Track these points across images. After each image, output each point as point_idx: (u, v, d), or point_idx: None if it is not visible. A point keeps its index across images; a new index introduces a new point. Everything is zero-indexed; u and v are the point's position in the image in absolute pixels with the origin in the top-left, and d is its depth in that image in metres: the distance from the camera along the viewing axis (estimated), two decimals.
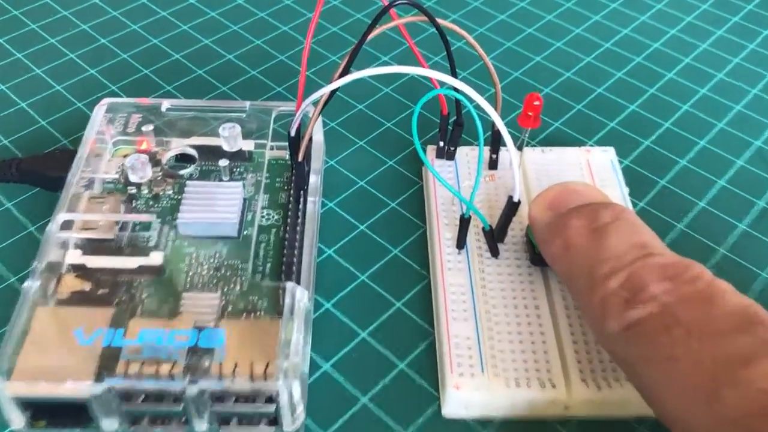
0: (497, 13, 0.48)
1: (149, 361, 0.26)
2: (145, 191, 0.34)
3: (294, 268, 0.30)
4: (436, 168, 0.36)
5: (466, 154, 0.37)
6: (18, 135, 0.39)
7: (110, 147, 0.35)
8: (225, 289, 0.29)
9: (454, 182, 0.35)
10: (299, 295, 0.28)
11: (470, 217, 0.31)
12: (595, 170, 0.36)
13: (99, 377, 0.26)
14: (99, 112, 0.35)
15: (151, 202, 0.34)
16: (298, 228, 0.32)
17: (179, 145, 0.35)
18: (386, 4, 0.29)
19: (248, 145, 0.35)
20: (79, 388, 0.25)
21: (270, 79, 0.43)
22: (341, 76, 0.30)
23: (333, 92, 0.31)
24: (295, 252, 0.31)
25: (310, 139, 0.33)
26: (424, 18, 0.30)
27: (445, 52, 0.32)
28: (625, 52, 0.45)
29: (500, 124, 0.28)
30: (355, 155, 0.39)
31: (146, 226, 0.32)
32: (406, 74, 0.42)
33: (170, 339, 0.27)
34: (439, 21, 0.31)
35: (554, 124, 0.40)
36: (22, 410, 0.26)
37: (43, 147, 0.38)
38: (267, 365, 0.26)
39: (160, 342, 0.27)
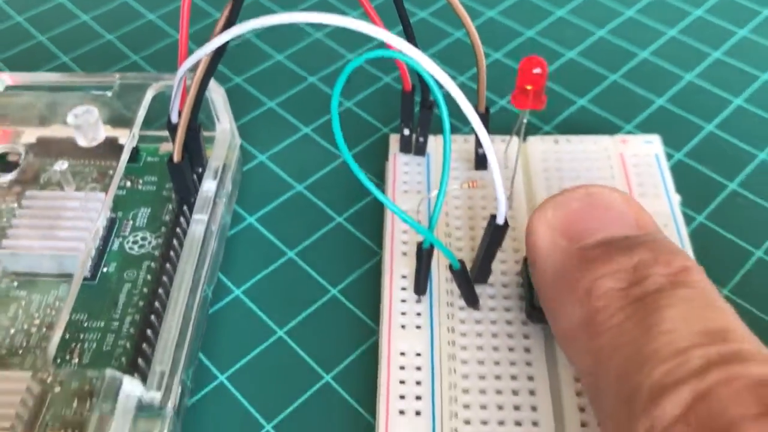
0: None
1: None
2: None
3: (145, 341, 0.20)
4: (401, 165, 0.25)
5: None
6: None
7: None
8: (58, 360, 0.19)
9: (424, 188, 0.24)
10: (127, 389, 0.17)
11: (432, 247, 0.20)
12: (632, 170, 0.25)
13: None
14: None
15: None
16: (168, 265, 0.21)
17: (26, 139, 0.25)
18: None
19: (124, 135, 0.24)
20: None
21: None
22: (224, 29, 0.19)
23: (217, 56, 0.20)
24: (154, 313, 0.20)
25: (197, 129, 0.22)
26: None
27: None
28: (680, 3, 0.33)
29: (463, 103, 0.17)
30: (296, 147, 0.28)
31: None
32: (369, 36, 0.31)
33: None
34: None
35: (578, 101, 0.29)
36: None
37: None
38: None
39: None
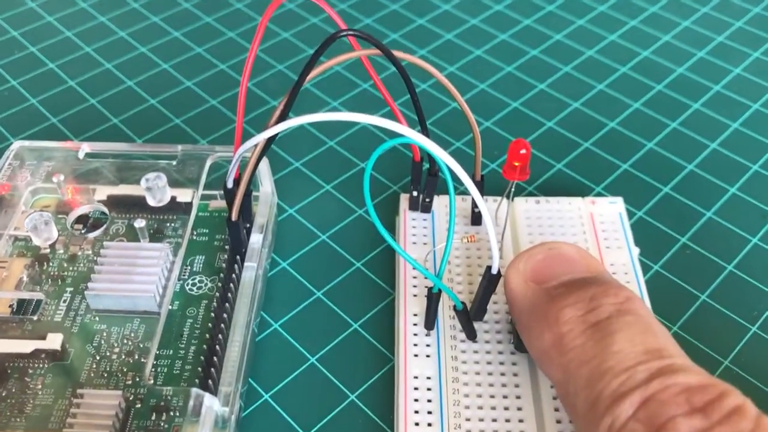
0: (473, 48, 0.42)
1: None
2: (60, 251, 0.29)
3: (212, 366, 0.25)
4: (410, 221, 0.30)
5: (446, 206, 0.31)
6: None
7: (26, 196, 0.30)
8: (136, 381, 0.24)
9: (429, 240, 0.30)
10: (208, 403, 0.22)
11: (440, 291, 0.25)
12: (599, 226, 0.30)
13: None
14: (8, 156, 0.30)
15: (65, 264, 0.28)
16: (227, 304, 0.26)
17: (98, 197, 0.30)
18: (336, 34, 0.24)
19: (185, 196, 0.29)
20: None
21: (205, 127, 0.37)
22: (278, 120, 0.24)
23: (270, 140, 0.25)
24: (217, 343, 0.25)
25: (249, 194, 0.27)
26: (379, 53, 0.24)
27: (409, 96, 0.26)
28: (643, 79, 0.39)
29: (466, 180, 0.22)
30: (319, 202, 0.33)
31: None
32: (388, 112, 0.37)
33: None
34: (401, 55, 0.25)
35: (556, 165, 0.34)
36: None
37: None
38: None
39: None
